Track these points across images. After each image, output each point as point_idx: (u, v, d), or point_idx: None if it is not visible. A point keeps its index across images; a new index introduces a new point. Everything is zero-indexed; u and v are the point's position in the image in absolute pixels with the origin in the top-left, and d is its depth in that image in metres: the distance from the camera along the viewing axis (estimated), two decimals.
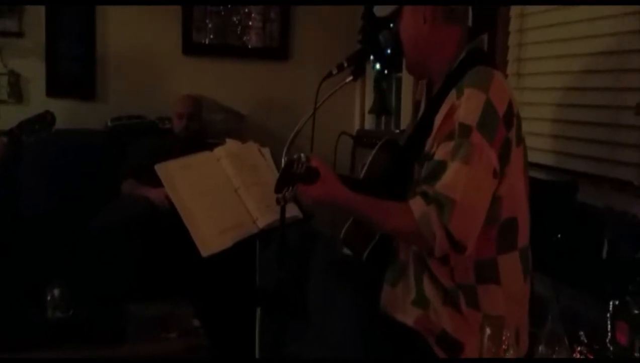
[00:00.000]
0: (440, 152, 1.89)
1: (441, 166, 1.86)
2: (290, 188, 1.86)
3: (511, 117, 1.91)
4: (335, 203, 1.93)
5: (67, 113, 4.22)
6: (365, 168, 2.28)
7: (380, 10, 2.17)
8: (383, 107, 4.35)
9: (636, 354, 1.63)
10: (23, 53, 4.29)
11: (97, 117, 4.32)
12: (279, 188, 1.86)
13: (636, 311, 1.63)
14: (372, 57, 3.18)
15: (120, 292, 3.09)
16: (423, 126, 2.03)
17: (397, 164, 2.12)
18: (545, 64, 2.85)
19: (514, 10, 3.00)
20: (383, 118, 4.48)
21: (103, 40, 4.43)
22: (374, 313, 2.07)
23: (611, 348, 1.68)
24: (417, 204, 1.85)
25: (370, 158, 2.28)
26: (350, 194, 1.92)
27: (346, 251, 2.19)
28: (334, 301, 2.09)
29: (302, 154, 1.86)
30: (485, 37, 3.05)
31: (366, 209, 1.93)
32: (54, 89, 4.35)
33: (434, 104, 2.01)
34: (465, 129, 1.86)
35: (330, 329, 2.06)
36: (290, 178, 1.84)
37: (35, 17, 4.30)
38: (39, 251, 3.47)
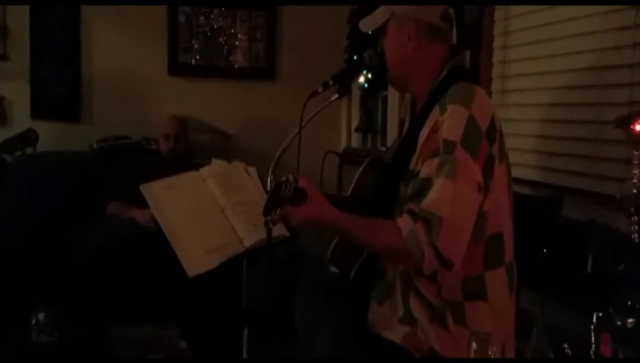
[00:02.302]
0: (426, 169, 1.90)
1: (427, 183, 1.87)
2: (278, 210, 1.86)
3: (494, 132, 1.92)
4: (322, 223, 1.93)
5: (52, 135, 4.20)
6: (352, 186, 2.28)
7: (365, 25, 2.18)
8: (369, 125, 4.35)
9: None
10: (7, 75, 4.28)
11: (83, 139, 4.30)
12: (267, 210, 1.86)
13: (619, 323, 1.63)
14: (357, 75, 3.19)
15: (106, 314, 3.07)
16: (407, 143, 2.03)
17: (383, 182, 2.12)
18: (529, 80, 2.87)
19: (498, 27, 3.03)
20: (369, 136, 4.49)
21: (88, 61, 4.43)
22: (361, 331, 2.07)
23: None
24: (404, 222, 1.86)
25: (356, 177, 2.28)
26: (337, 213, 1.92)
27: (333, 269, 2.18)
28: (322, 319, 2.09)
29: (290, 176, 1.86)
30: (467, 55, 3.07)
31: (354, 229, 1.93)
32: (38, 111, 4.34)
33: (417, 121, 2.02)
34: (449, 146, 1.87)
35: (318, 347, 2.06)
36: (278, 200, 1.85)
37: (20, 39, 4.29)
38: (23, 274, 3.44)
